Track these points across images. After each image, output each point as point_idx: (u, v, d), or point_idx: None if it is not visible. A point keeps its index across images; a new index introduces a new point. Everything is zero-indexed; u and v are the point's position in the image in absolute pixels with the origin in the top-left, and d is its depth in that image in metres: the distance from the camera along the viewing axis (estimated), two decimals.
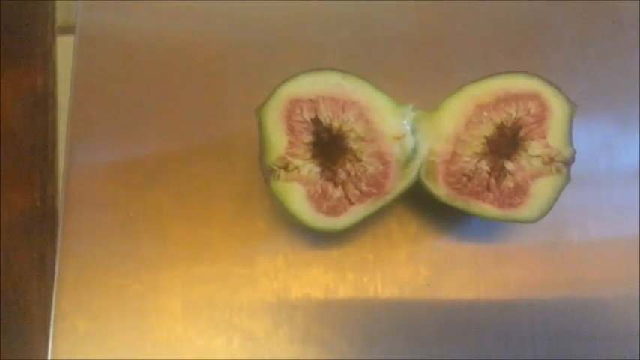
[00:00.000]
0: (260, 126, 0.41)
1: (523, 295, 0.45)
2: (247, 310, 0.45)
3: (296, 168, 0.41)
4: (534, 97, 0.42)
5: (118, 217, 0.46)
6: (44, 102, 0.56)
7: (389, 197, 0.42)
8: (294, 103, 0.41)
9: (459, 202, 0.42)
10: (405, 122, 0.41)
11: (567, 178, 0.41)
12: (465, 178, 0.42)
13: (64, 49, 0.49)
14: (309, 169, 0.41)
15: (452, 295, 0.45)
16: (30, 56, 0.47)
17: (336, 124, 0.41)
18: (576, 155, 0.41)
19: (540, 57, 0.49)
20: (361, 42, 0.49)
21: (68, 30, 0.48)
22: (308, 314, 0.45)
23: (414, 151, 0.42)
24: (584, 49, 0.50)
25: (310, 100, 0.41)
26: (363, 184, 0.41)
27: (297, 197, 0.41)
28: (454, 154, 0.42)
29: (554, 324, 0.45)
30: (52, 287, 0.45)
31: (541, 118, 0.42)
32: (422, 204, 0.46)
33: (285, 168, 0.41)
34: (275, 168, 0.41)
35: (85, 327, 0.44)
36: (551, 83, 0.42)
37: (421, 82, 0.49)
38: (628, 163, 0.48)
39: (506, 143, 0.42)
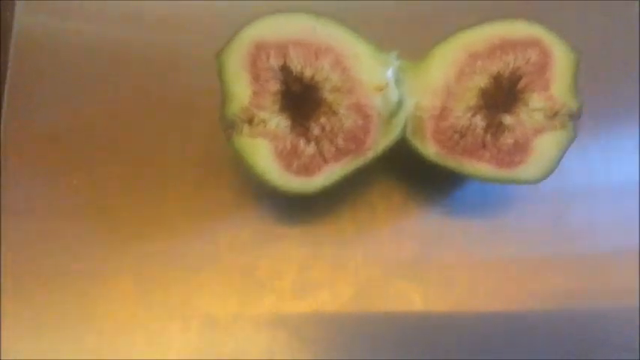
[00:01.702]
0: (220, 74, 0.35)
1: (522, 276, 0.40)
2: (208, 291, 0.39)
3: (262, 121, 0.35)
4: (535, 44, 0.37)
5: (59, 188, 0.40)
6: None
7: (369, 154, 0.36)
8: (260, 48, 0.35)
9: (451, 162, 0.36)
10: (387, 71, 0.36)
11: (573, 134, 0.36)
12: (457, 135, 0.37)
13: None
14: (277, 122, 0.35)
15: (441, 274, 0.40)
16: None
17: (308, 73, 0.36)
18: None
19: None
20: None
21: None
22: (278, 296, 0.39)
23: (399, 103, 0.36)
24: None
25: (278, 45, 0.35)
26: (339, 139, 0.36)
27: (263, 154, 0.35)
28: (444, 108, 0.37)
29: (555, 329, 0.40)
30: None
31: (543, 66, 0.37)
32: (407, 171, 0.41)
33: (250, 121, 0.35)
34: (237, 121, 0.35)
35: (22, 314, 0.38)
36: (552, 31, 0.37)
37: (407, 28, 0.43)
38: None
39: (503, 96, 0.37)
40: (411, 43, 0.38)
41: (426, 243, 0.40)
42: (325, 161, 0.36)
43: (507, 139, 0.36)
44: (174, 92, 0.42)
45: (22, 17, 0.43)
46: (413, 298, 0.39)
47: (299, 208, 0.40)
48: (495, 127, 0.36)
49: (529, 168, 0.36)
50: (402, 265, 0.40)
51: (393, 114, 0.36)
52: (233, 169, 0.41)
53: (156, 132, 0.41)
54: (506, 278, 0.40)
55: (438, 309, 0.39)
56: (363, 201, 0.41)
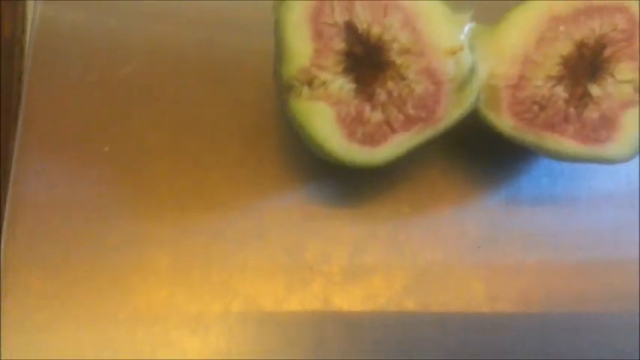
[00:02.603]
0: (277, 28, 0.32)
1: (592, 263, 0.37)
2: (251, 271, 0.35)
3: (323, 83, 0.32)
4: (623, 9, 0.33)
5: (89, 152, 0.36)
6: (10, 49, 0.50)
7: (441, 125, 0.33)
8: (324, 1, 0.32)
9: (530, 137, 0.33)
10: (462, 33, 0.33)
11: None
12: (536, 107, 0.33)
13: None
14: (341, 84, 0.32)
15: (507, 263, 0.36)
16: None
17: (375, 31, 0.32)
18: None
19: None
20: None
21: None
22: (327, 279, 0.36)
23: (472, 70, 0.33)
24: None
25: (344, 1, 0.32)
26: (408, 106, 0.32)
27: (324, 120, 0.32)
28: (522, 77, 0.33)
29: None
30: None
31: (631, 35, 0.33)
32: (471, 148, 0.38)
33: (310, 83, 0.32)
34: (296, 83, 0.32)
35: (40, 288, 0.34)
36: None
37: None
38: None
39: (587, 65, 0.33)
40: (486, 5, 0.34)
41: (491, 227, 0.37)
42: (393, 130, 0.32)
43: (593, 113, 0.33)
44: (219, 53, 0.38)
45: None
46: (475, 288, 0.36)
47: (353, 185, 0.37)
48: (579, 99, 0.33)
49: (617, 145, 0.33)
50: (463, 251, 0.36)
51: (465, 81, 0.33)
52: (283, 138, 0.37)
53: (198, 95, 0.38)
54: (577, 275, 0.36)
55: (503, 305, 0.36)
56: (422, 179, 0.37)
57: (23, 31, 0.57)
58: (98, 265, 0.35)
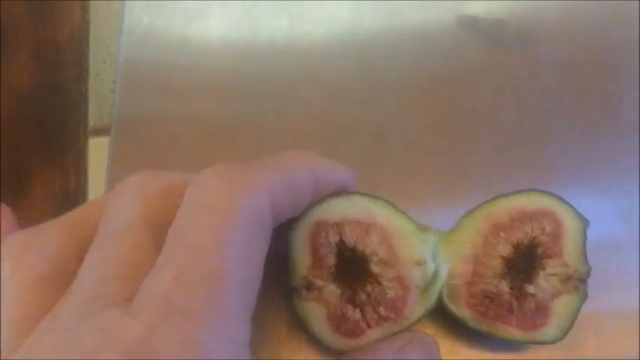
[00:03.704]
0: (288, 248, 0.40)
1: None
2: None
3: (318, 288, 0.40)
4: (548, 214, 0.42)
5: None
6: (75, 201, 0.53)
7: (406, 322, 0.41)
8: (321, 226, 0.40)
9: (485, 326, 0.41)
10: (427, 249, 0.41)
11: (585, 295, 0.41)
12: (487, 300, 0.41)
13: (96, 150, 0.49)
14: (331, 290, 0.40)
15: None
16: (63, 157, 0.49)
17: (360, 247, 0.40)
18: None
19: (547, 168, 0.50)
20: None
21: (99, 132, 0.49)
22: None
23: (435, 274, 0.41)
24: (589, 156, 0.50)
25: (336, 223, 0.40)
26: (381, 308, 0.40)
27: (318, 317, 0.41)
28: (475, 274, 0.42)
29: None
30: None
31: (556, 235, 0.42)
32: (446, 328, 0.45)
33: (308, 288, 0.40)
34: (298, 287, 0.40)
35: None
36: (562, 199, 0.42)
37: (438, 199, 0.49)
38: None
39: (523, 262, 0.42)
40: (443, 215, 0.43)
41: None
42: (368, 326, 0.40)
43: (530, 304, 0.41)
44: None
45: None
46: None
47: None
48: (518, 291, 0.41)
49: (551, 329, 0.41)
50: None
51: (430, 284, 0.41)
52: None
53: None
54: None
55: None
56: None
57: (86, 183, 0.61)
58: None
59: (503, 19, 0.53)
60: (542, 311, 0.41)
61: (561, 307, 0.41)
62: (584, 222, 0.42)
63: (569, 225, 0.42)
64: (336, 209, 0.40)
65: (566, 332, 0.41)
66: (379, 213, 0.40)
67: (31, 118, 0.48)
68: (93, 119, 0.49)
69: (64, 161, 0.49)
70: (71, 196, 0.53)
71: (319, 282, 0.40)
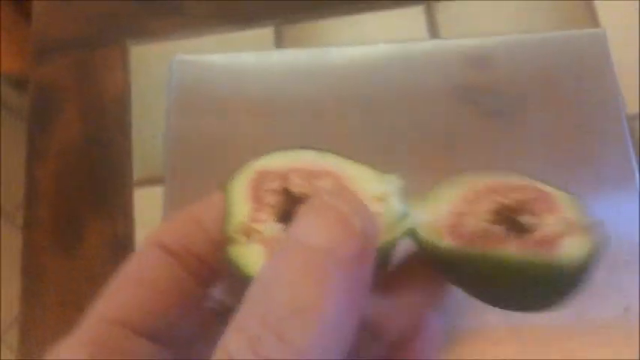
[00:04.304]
0: (225, 199, 0.36)
1: None
2: None
3: (259, 233, 0.34)
4: (534, 189, 0.38)
5: None
6: (124, 248, 0.59)
7: None
8: (263, 174, 0.37)
9: (473, 253, 0.32)
10: (388, 185, 0.36)
11: (601, 239, 0.33)
12: (477, 238, 0.34)
13: (141, 199, 0.58)
14: (275, 228, 0.34)
15: None
16: (112, 207, 0.57)
17: (307, 191, 0.36)
18: None
19: None
20: None
21: (144, 182, 0.59)
22: None
23: (404, 216, 0.35)
24: None
25: (281, 173, 0.36)
26: None
27: (258, 257, 0.33)
28: (457, 224, 0.35)
29: None
30: None
31: (547, 199, 0.37)
32: None
33: (248, 235, 0.34)
34: (236, 236, 0.34)
35: None
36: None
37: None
38: None
39: (513, 217, 0.36)
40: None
41: None
42: None
43: (534, 235, 0.33)
44: None
45: None
46: None
47: None
48: (517, 230, 0.34)
49: (567, 249, 0.32)
50: None
51: (398, 221, 0.34)
52: None
53: None
54: None
55: None
56: None
57: (133, 231, 0.59)
58: None
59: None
60: (548, 243, 0.33)
61: (571, 243, 0.33)
62: (575, 197, 0.38)
63: (560, 199, 0.38)
64: (281, 160, 0.37)
65: (588, 255, 0.32)
66: (329, 162, 0.37)
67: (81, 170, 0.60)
68: (137, 172, 0.58)
69: (113, 211, 0.58)
70: (120, 242, 0.59)
71: (259, 226, 0.34)
